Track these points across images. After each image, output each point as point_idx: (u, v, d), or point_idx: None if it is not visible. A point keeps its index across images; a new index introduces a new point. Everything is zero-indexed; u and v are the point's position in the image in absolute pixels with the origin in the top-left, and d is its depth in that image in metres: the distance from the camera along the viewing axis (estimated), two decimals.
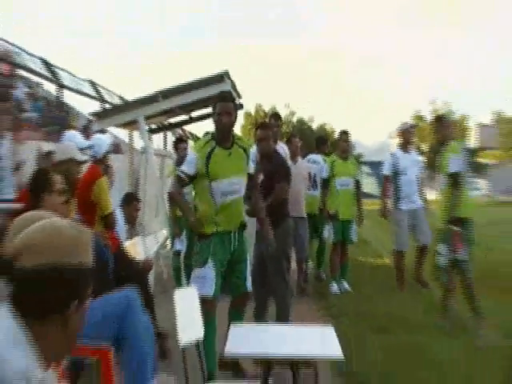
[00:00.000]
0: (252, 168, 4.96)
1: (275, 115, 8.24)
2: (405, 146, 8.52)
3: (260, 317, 6.06)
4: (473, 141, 49.90)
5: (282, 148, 7.56)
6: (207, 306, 4.59)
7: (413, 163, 8.45)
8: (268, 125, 6.23)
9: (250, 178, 4.92)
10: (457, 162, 6.26)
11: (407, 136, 8.54)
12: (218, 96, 4.87)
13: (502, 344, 5.69)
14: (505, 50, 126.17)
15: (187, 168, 4.70)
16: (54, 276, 1.75)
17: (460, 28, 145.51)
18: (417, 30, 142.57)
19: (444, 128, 6.69)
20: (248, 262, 5.04)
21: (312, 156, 9.52)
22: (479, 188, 40.14)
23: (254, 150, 5.68)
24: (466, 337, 6.09)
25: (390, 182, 8.50)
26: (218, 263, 4.77)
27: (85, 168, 5.37)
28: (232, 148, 4.81)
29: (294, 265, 7.80)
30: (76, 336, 1.86)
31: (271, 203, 5.67)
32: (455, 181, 6.26)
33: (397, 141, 9.09)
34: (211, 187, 4.67)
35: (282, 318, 5.83)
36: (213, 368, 4.71)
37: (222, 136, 4.76)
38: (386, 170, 8.41)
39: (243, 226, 4.93)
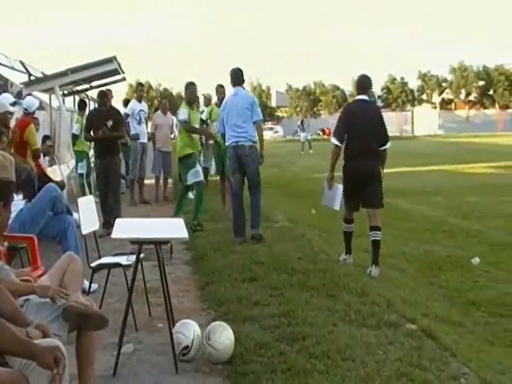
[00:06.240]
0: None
1: (141, 83, 13.55)
2: None
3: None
4: (273, 102, 77.99)
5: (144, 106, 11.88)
6: (202, 186, 8.62)
7: None
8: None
9: None
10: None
11: None
12: (187, 83, 8.85)
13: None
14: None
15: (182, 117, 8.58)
16: None
17: None
18: None
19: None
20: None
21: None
22: (278, 131, 66.04)
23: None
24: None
25: None
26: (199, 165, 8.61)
27: (19, 117, 7.32)
28: (194, 109, 8.84)
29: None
30: (4, 228, 2.39)
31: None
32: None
33: None
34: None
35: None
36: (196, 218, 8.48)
37: (190, 102, 8.70)
38: None
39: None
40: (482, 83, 74.69)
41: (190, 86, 8.86)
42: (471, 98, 75.41)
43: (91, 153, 12.11)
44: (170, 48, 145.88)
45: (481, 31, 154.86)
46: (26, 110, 8.36)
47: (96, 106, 16.07)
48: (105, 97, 8.87)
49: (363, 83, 6.79)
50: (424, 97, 77.09)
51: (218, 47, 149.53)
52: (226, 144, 7.83)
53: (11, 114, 6.88)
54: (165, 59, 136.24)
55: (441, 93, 76.81)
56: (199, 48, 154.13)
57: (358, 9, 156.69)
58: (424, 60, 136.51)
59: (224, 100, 8.24)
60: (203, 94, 12.89)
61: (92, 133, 8.83)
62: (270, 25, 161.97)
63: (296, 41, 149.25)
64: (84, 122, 11.42)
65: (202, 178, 8.57)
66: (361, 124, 6.46)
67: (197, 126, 9.09)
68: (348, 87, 78.51)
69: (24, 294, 2.99)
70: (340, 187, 6.71)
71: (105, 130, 8.43)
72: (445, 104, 77.20)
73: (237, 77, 7.79)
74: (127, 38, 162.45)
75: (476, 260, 8.07)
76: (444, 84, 76.45)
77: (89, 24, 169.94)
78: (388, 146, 6.64)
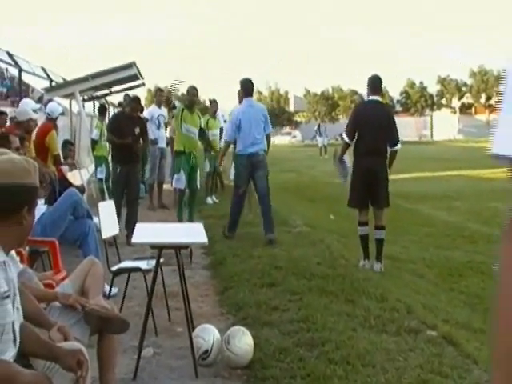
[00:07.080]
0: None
1: (160, 89, 14.02)
2: None
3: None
4: (291, 106, 79.21)
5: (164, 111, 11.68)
6: (182, 193, 8.94)
7: None
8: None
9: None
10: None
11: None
12: (189, 87, 9.01)
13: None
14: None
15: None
16: (10, 191, 2.20)
17: None
18: None
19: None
20: (198, 174, 9.23)
21: None
22: (296, 136, 66.39)
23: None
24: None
25: None
26: (185, 171, 8.69)
27: (40, 122, 7.42)
28: (194, 113, 8.86)
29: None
30: (29, 232, 2.36)
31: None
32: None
33: None
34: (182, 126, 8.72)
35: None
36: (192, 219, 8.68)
37: (189, 105, 8.87)
38: None
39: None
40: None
41: (192, 90, 9.04)
42: (492, 102, 74.75)
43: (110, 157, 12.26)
44: (169, 48, 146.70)
45: (500, 31, 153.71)
46: (48, 115, 8.50)
47: (115, 111, 16.35)
48: (139, 102, 8.75)
49: (374, 84, 6.94)
50: (443, 101, 76.59)
51: (218, 47, 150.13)
52: (240, 153, 8.10)
53: (34, 121, 7.05)
54: (164, 59, 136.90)
55: (460, 97, 76.28)
56: (199, 48, 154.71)
57: (371, 9, 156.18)
58: (442, 63, 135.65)
59: (238, 110, 8.36)
60: (209, 100, 12.92)
61: (118, 137, 8.43)
62: (271, 24, 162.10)
63: (298, 41, 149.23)
64: (103, 127, 11.63)
65: (183, 186, 8.78)
66: (369, 124, 6.66)
67: (194, 128, 8.92)
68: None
69: (46, 301, 3.02)
70: (347, 159, 7.06)
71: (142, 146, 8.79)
72: (465, 108, 76.65)
73: (248, 88, 8.23)
74: (127, 37, 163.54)
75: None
76: (464, 88, 75.93)
77: (89, 24, 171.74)
78: (398, 147, 6.84)
